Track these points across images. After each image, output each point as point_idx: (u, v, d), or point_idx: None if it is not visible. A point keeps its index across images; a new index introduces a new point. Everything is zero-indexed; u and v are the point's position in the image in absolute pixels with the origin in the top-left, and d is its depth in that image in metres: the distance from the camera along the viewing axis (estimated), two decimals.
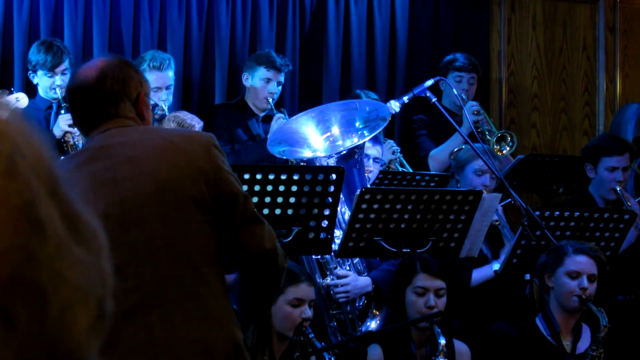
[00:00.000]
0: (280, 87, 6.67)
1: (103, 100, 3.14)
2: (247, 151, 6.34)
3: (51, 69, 6.17)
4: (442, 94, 6.90)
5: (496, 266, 5.51)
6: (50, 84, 6.20)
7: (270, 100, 6.53)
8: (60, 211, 0.85)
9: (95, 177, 2.98)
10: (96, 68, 3.17)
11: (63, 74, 6.22)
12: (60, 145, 6.02)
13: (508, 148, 6.56)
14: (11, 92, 5.88)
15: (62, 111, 6.13)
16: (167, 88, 6.37)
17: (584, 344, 4.89)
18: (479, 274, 5.63)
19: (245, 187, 3.77)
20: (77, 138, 6.00)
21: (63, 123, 5.99)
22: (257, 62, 6.62)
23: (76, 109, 3.20)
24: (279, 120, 6.21)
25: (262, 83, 6.59)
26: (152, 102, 6.37)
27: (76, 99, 3.19)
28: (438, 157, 6.70)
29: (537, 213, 5.17)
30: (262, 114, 6.65)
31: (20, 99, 5.80)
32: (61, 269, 0.83)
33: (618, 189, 6.05)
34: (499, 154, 6.44)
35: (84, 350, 0.85)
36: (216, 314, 2.99)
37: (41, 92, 6.31)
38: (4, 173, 0.82)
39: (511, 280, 5.53)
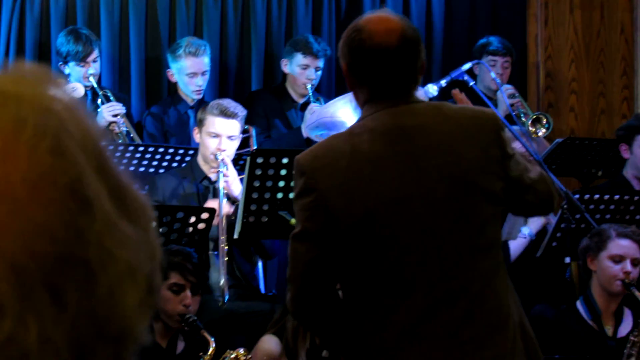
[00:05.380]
0: (319, 73, 6.58)
1: (403, 72, 2.90)
2: (281, 140, 6.30)
3: (83, 59, 6.19)
4: (477, 78, 6.84)
5: (526, 230, 5.53)
6: (82, 74, 6.21)
7: (309, 86, 6.47)
8: (108, 187, 0.85)
9: (397, 160, 2.83)
10: (397, 31, 2.89)
11: (94, 61, 6.25)
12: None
13: (544, 130, 6.47)
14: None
15: (99, 100, 6.15)
16: (203, 74, 6.37)
17: (625, 327, 4.85)
18: (515, 245, 5.61)
19: None
20: (122, 127, 6.01)
21: (107, 113, 6.00)
22: (295, 48, 6.56)
23: (362, 73, 2.96)
24: (312, 110, 6.13)
25: (299, 70, 6.51)
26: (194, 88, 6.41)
27: (366, 63, 2.93)
28: None
29: (577, 196, 5.14)
30: (301, 101, 6.59)
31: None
32: (110, 246, 0.82)
33: None
34: (535, 136, 6.38)
35: (135, 326, 0.85)
36: (507, 307, 2.96)
37: (73, 82, 6.34)
38: (51, 150, 0.82)
39: (551, 264, 5.49)
